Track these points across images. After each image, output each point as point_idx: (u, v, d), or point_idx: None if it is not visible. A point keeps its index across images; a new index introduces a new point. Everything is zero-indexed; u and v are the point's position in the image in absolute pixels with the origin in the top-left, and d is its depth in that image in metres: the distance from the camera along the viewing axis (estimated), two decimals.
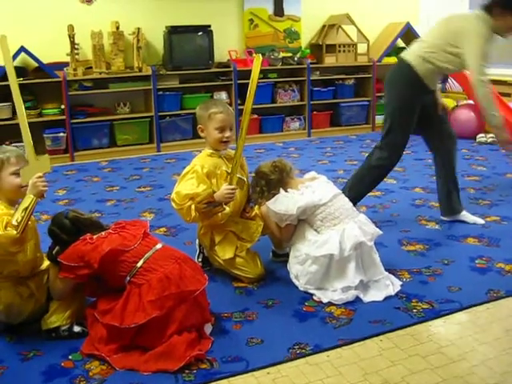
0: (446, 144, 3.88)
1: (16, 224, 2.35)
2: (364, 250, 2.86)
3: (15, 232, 2.34)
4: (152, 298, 2.34)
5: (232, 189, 2.98)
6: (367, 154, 3.94)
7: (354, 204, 3.48)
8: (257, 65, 2.99)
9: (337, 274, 2.84)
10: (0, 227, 2.34)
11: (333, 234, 2.86)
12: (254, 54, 3.01)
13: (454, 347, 2.42)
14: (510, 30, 3.59)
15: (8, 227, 2.35)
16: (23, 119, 2.66)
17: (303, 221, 2.99)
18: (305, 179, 3.16)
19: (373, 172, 3.86)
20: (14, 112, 6.13)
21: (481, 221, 3.92)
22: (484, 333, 2.52)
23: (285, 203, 2.95)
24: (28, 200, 2.43)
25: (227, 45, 7.28)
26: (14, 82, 2.66)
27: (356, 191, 3.83)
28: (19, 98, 2.68)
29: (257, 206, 3.23)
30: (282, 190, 3.03)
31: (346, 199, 3.06)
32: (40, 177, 2.52)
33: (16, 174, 2.55)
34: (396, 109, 3.70)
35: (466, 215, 3.94)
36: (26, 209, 2.40)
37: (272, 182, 3.07)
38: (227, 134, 3.11)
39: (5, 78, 5.85)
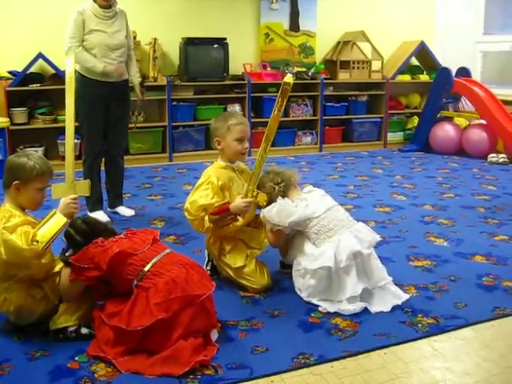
0: None
1: (43, 240, 2.40)
2: (363, 258, 2.88)
3: (40, 248, 2.39)
4: (158, 301, 2.37)
5: (249, 202, 3.01)
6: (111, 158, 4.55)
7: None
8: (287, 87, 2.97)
9: (339, 286, 2.86)
10: (25, 242, 2.38)
11: (328, 247, 2.88)
12: (287, 76, 2.99)
13: (458, 362, 2.42)
14: None
15: (34, 242, 2.39)
16: (71, 140, 2.73)
17: (301, 236, 3.03)
18: (302, 192, 3.19)
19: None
20: (30, 117, 6.23)
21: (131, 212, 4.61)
22: (488, 349, 2.53)
23: (278, 214, 2.98)
24: (59, 221, 2.48)
25: (242, 58, 7.35)
26: (70, 105, 2.79)
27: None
28: (72, 120, 2.77)
29: (261, 214, 3.26)
30: (279, 198, 3.06)
31: (342, 210, 3.09)
32: (74, 198, 2.60)
33: (40, 189, 2.59)
34: None
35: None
36: (55, 230, 2.45)
37: (273, 195, 3.10)
38: (246, 145, 3.16)
39: (22, 83, 6.03)
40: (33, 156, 2.61)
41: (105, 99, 4.32)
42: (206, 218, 3.00)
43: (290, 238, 3.12)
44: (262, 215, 3.17)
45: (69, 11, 4.23)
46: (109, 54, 4.29)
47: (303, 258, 2.96)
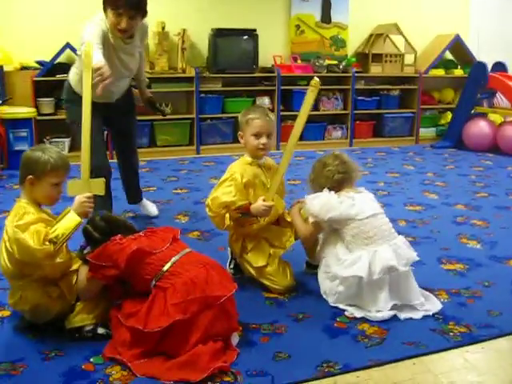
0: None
1: (55, 240, 2.31)
2: (399, 274, 2.73)
3: (52, 249, 2.30)
4: (175, 301, 2.28)
5: (269, 206, 2.90)
6: (123, 160, 4.23)
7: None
8: (311, 95, 2.84)
9: (369, 297, 2.72)
10: (38, 241, 2.29)
11: (363, 255, 2.73)
12: (312, 84, 2.86)
13: (492, 376, 2.28)
14: (115, 29, 3.41)
15: (46, 242, 2.30)
16: (87, 134, 2.65)
17: (336, 235, 2.88)
18: (352, 189, 2.97)
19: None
20: (57, 108, 6.19)
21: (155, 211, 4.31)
22: None
23: (320, 206, 2.83)
24: (72, 221, 2.39)
25: (272, 50, 7.23)
26: (87, 104, 2.68)
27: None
28: (89, 117, 2.67)
29: (287, 212, 3.15)
30: (326, 189, 2.90)
31: (386, 220, 2.89)
32: (89, 197, 2.52)
33: (55, 184, 2.50)
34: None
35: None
36: (69, 229, 2.36)
37: (327, 181, 2.94)
38: (263, 140, 3.00)
39: (50, 73, 5.98)
40: (48, 150, 2.51)
41: (99, 119, 3.56)
42: (227, 215, 2.90)
43: (322, 237, 2.99)
44: (292, 210, 3.08)
45: (95, 1, 3.85)
46: (115, 82, 3.48)
47: (334, 261, 2.82)
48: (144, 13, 3.48)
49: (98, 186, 2.65)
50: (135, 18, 3.41)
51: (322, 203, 2.83)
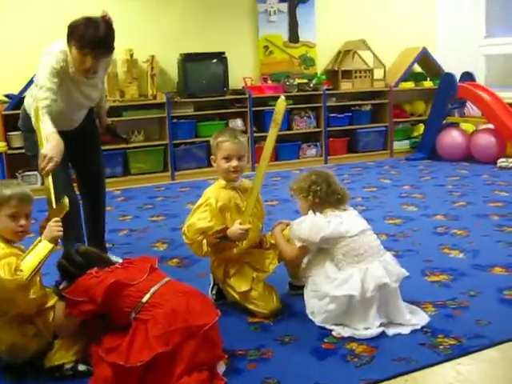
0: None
1: (26, 270, 2.24)
2: (388, 291, 2.69)
3: (24, 279, 2.23)
4: (157, 334, 2.19)
5: (245, 229, 2.85)
6: (96, 191, 3.77)
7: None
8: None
9: (358, 314, 2.67)
10: (9, 272, 2.21)
11: (354, 273, 2.67)
12: (280, 99, 2.83)
13: None
14: (78, 67, 3.17)
15: (17, 272, 2.23)
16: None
17: (324, 254, 2.83)
18: (336, 208, 2.91)
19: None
20: None
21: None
22: None
23: (309, 229, 2.77)
24: (44, 248, 2.34)
25: (242, 72, 7.22)
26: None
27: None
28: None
29: (269, 234, 3.10)
30: (310, 211, 2.86)
31: (374, 236, 2.85)
32: (56, 221, 2.45)
33: (13, 216, 2.42)
34: None
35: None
36: (40, 257, 2.30)
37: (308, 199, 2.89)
38: (234, 163, 2.94)
39: (19, 106, 5.86)
40: (4, 184, 2.47)
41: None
42: (204, 241, 2.84)
43: (308, 257, 2.92)
44: (274, 230, 3.03)
45: (63, 34, 3.60)
46: (75, 112, 3.47)
47: (323, 280, 2.76)
48: (111, 51, 3.27)
49: (62, 206, 2.58)
50: (101, 58, 3.20)
51: (311, 225, 2.78)
